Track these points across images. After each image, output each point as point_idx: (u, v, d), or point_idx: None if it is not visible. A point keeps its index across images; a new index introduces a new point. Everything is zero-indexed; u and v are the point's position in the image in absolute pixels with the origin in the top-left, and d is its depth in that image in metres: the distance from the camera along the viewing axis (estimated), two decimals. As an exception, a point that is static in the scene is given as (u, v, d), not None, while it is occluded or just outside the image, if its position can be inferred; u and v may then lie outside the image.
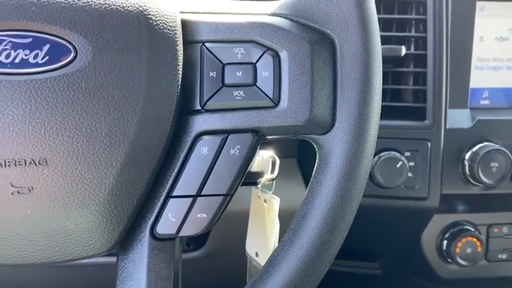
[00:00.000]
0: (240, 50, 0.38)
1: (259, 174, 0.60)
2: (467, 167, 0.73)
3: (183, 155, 0.38)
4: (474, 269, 0.79)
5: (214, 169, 0.38)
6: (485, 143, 0.73)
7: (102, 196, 0.35)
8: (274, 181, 0.59)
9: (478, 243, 0.76)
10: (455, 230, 0.78)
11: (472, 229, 0.77)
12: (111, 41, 0.34)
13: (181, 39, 0.36)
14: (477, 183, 0.74)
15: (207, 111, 0.38)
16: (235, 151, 0.38)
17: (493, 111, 0.76)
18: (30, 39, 0.33)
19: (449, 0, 0.72)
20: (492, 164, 0.71)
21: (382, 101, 0.40)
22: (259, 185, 0.58)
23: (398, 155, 0.71)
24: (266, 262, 0.40)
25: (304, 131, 0.39)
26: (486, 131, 0.74)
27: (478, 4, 0.74)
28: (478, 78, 0.76)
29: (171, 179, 0.37)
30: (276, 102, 0.38)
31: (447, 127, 0.73)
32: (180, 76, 0.36)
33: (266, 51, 0.38)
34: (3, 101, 0.32)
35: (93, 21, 0.33)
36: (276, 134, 0.39)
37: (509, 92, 0.77)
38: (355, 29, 0.38)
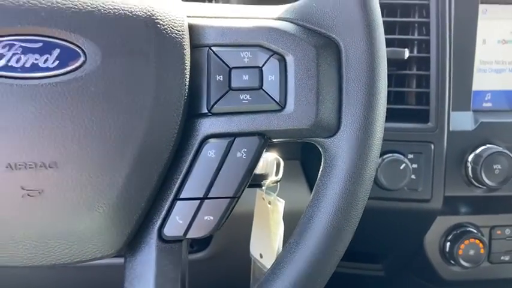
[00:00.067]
0: (246, 54, 0.38)
1: (263, 177, 0.60)
2: (470, 169, 0.73)
3: (190, 158, 0.38)
4: (477, 271, 0.79)
5: (221, 172, 0.38)
6: (488, 145, 0.73)
7: (111, 199, 0.35)
8: (278, 183, 0.59)
9: (481, 245, 0.76)
10: (458, 232, 0.78)
11: (475, 231, 0.77)
12: (119, 46, 0.34)
13: (189, 43, 0.37)
14: (480, 186, 0.74)
15: (214, 114, 0.38)
16: (242, 154, 0.38)
17: (496, 113, 0.76)
18: (41, 44, 0.33)
19: (452, 3, 0.73)
20: (495, 166, 0.72)
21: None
22: (263, 187, 0.58)
23: (401, 157, 0.71)
24: (272, 264, 0.40)
25: (309, 134, 0.39)
26: (489, 133, 0.74)
27: (481, 7, 0.74)
28: (481, 81, 0.76)
29: (179, 181, 0.38)
30: (282, 105, 0.38)
31: (450, 129, 0.73)
32: (188, 80, 0.36)
33: (272, 55, 0.38)
34: (14, 104, 0.32)
35: (102, 26, 0.34)
36: (282, 137, 0.39)
37: (511, 94, 0.78)
38: (360, 33, 0.38)
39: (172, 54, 0.36)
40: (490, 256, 0.79)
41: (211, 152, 0.38)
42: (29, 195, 0.34)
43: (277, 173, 0.60)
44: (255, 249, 0.62)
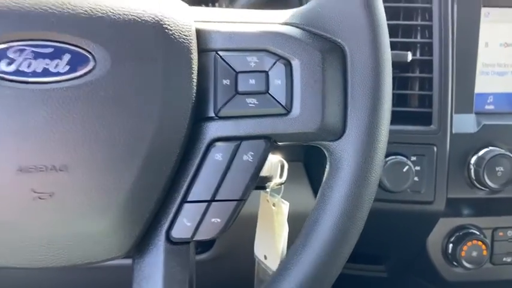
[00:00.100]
0: (252, 59, 0.38)
1: (268, 179, 0.60)
2: (472, 171, 0.74)
3: (197, 161, 0.38)
4: (479, 272, 0.79)
5: (228, 175, 0.38)
6: (491, 148, 0.74)
7: (120, 201, 0.35)
8: (282, 185, 0.59)
9: (484, 247, 0.77)
10: (461, 233, 0.78)
11: (478, 233, 0.78)
12: (128, 51, 0.35)
13: (196, 48, 0.37)
14: (482, 188, 0.74)
15: (221, 118, 0.38)
16: (249, 157, 0.38)
17: (498, 116, 0.77)
18: (52, 49, 0.33)
19: (455, 6, 0.73)
20: (497, 169, 0.72)
21: (388, 106, 0.41)
22: (268, 189, 0.59)
23: (404, 159, 0.71)
24: (278, 266, 0.40)
25: (315, 137, 0.40)
26: (491, 135, 0.74)
27: (483, 10, 0.74)
28: (483, 84, 0.76)
29: (186, 184, 0.38)
30: (288, 109, 0.39)
31: (453, 132, 0.73)
32: (195, 84, 0.37)
33: (278, 59, 0.38)
34: (25, 109, 0.33)
35: (111, 31, 0.34)
36: (288, 140, 0.40)
37: (513, 97, 0.78)
38: (366, 38, 0.39)
39: (180, 58, 0.36)
40: (492, 258, 0.79)
41: (218, 155, 0.38)
42: (39, 198, 0.34)
43: (281, 175, 0.60)
44: (259, 251, 0.62)
